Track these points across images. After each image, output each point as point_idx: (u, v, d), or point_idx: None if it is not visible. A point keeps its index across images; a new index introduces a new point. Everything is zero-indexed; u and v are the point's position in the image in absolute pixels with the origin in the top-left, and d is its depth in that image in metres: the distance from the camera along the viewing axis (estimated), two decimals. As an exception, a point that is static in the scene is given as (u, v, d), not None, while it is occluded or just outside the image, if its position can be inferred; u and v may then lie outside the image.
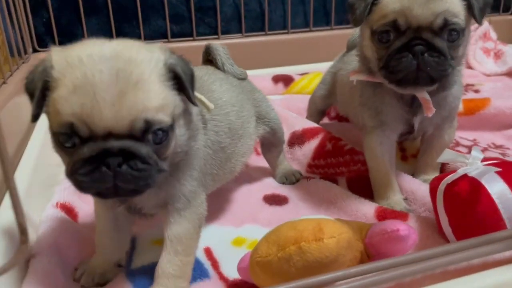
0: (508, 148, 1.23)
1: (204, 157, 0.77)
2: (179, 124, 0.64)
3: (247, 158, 0.96)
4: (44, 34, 1.72)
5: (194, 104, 0.66)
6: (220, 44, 1.01)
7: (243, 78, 1.02)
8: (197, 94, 0.71)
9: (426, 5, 0.81)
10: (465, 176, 0.77)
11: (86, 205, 0.99)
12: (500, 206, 0.73)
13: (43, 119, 1.38)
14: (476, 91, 1.63)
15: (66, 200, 0.96)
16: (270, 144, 1.09)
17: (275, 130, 1.07)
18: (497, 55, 1.91)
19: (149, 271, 0.78)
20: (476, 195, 0.74)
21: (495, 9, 2.24)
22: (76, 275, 0.80)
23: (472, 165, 0.79)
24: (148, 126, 0.57)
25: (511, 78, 1.77)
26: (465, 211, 0.76)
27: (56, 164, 1.25)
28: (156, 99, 0.58)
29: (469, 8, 0.84)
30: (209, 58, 1.00)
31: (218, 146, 0.82)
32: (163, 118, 0.59)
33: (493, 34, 2.00)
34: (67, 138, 0.58)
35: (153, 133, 0.59)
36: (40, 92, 0.59)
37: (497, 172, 0.75)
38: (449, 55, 0.83)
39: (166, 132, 0.60)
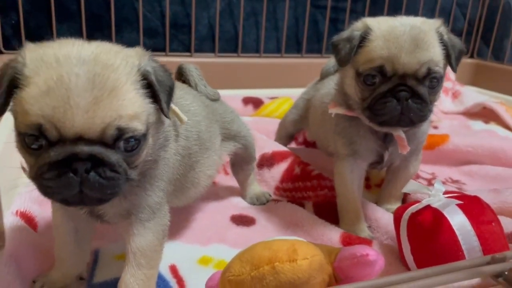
0: (464, 184, 1.29)
1: (173, 165, 0.75)
2: (151, 132, 0.63)
3: (213, 173, 0.95)
4: (12, 36, 1.67)
5: (166, 116, 0.64)
6: (193, 64, 1.01)
7: (216, 99, 1.02)
8: (172, 105, 0.69)
9: (413, 53, 0.84)
10: (428, 207, 0.81)
11: (47, 214, 0.95)
12: (460, 237, 0.76)
13: (3, 122, 1.33)
14: (435, 127, 1.72)
15: (27, 208, 0.92)
16: (241, 160, 1.10)
17: (247, 146, 1.07)
18: (455, 95, 2.03)
19: (111, 286, 0.77)
20: (438, 225, 0.78)
21: (454, 52, 2.38)
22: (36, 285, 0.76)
23: (435, 196, 0.83)
24: (121, 133, 0.56)
25: (466, 117, 1.88)
26: (427, 240, 0.79)
27: (16, 167, 1.21)
28: (130, 107, 0.57)
29: (447, 56, 0.89)
30: (182, 79, 1.00)
31: (187, 152, 0.81)
32: (137, 126, 0.57)
33: (452, 75, 2.12)
34: (34, 139, 0.55)
35: (125, 140, 0.57)
36: (6, 88, 0.57)
37: (458, 205, 0.79)
38: (429, 100, 0.88)
39: (138, 140, 0.59)
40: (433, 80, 0.87)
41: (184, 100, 0.86)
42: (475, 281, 0.71)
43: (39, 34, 1.69)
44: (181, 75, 1.00)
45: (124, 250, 0.87)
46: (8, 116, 1.40)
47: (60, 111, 0.53)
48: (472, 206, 0.80)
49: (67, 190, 0.55)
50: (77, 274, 0.78)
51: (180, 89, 0.89)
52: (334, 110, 0.97)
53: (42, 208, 0.98)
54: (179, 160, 0.78)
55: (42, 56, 0.57)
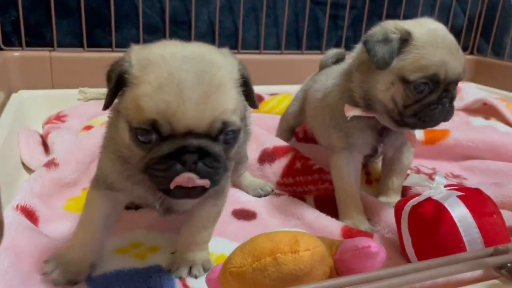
0: (465, 178, 1.29)
1: None
2: (242, 127, 0.68)
3: None
4: (11, 33, 1.66)
5: (256, 107, 0.71)
6: None
7: None
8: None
9: (457, 56, 0.88)
10: (429, 199, 0.81)
11: (48, 210, 0.96)
12: (461, 229, 0.76)
13: (4, 118, 1.33)
14: (436, 123, 1.71)
15: (28, 203, 0.92)
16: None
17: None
18: (455, 91, 2.02)
19: (111, 279, 0.77)
20: (439, 217, 0.78)
21: (454, 48, 2.38)
22: (47, 269, 0.75)
23: (436, 189, 0.83)
24: (224, 127, 0.60)
25: (466, 114, 1.87)
26: (428, 232, 0.79)
27: (17, 163, 1.21)
28: (232, 102, 0.61)
29: None
30: None
31: None
32: (236, 120, 0.62)
33: (451, 71, 2.12)
34: (146, 134, 0.59)
35: (225, 133, 0.61)
36: (114, 86, 0.62)
37: (459, 197, 0.79)
38: None
39: (236, 133, 0.63)
40: (464, 74, 0.92)
41: None
42: (478, 272, 0.71)
43: (39, 30, 1.69)
44: None
45: (123, 244, 0.88)
46: (8, 112, 1.40)
47: (174, 105, 0.57)
48: (473, 198, 0.80)
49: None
50: (92, 261, 0.78)
51: None
52: (351, 113, 0.95)
53: (43, 202, 0.98)
54: None
55: (147, 56, 0.61)
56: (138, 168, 0.63)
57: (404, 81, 0.88)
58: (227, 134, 0.62)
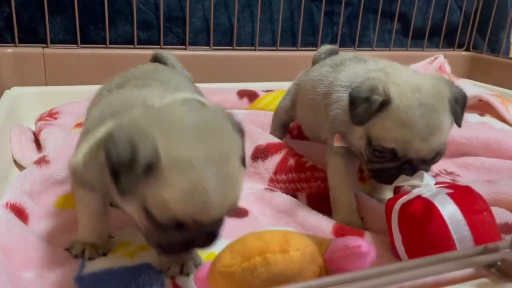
0: (459, 175, 1.29)
1: None
2: None
3: None
4: (4, 29, 1.65)
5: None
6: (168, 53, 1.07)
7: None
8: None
9: (427, 141, 0.84)
10: (419, 197, 0.81)
11: (38, 207, 0.95)
12: (451, 227, 0.76)
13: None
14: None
15: (17, 201, 0.91)
16: None
17: None
18: (451, 88, 2.01)
19: (99, 278, 0.77)
20: (429, 215, 0.78)
21: (451, 44, 2.38)
22: (74, 250, 0.83)
23: (426, 187, 0.83)
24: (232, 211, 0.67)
25: (462, 110, 1.87)
26: (418, 230, 0.79)
27: (9, 160, 1.20)
28: (241, 190, 0.66)
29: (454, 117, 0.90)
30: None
31: None
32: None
33: (447, 68, 2.12)
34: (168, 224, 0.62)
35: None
36: (143, 171, 0.59)
37: (449, 195, 0.79)
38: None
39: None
40: (438, 156, 0.88)
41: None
42: (468, 271, 0.70)
43: (32, 27, 1.67)
44: (157, 61, 1.06)
45: (115, 243, 0.87)
46: (0, 109, 1.38)
47: (198, 210, 0.61)
48: (463, 195, 0.79)
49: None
50: (109, 234, 0.87)
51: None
52: (339, 144, 0.98)
53: (34, 200, 0.97)
54: None
55: (176, 158, 0.60)
56: (147, 239, 0.68)
57: (368, 140, 0.90)
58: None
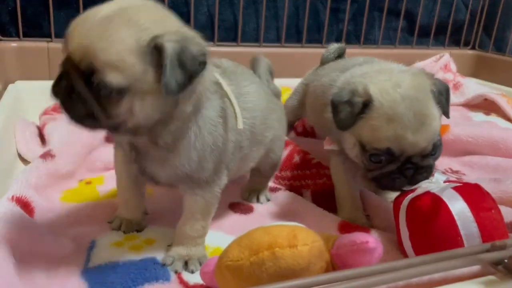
0: (464, 174, 1.28)
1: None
2: None
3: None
4: (8, 23, 1.64)
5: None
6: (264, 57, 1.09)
7: (276, 94, 1.07)
8: (235, 106, 0.84)
9: (419, 132, 0.82)
10: (428, 192, 0.81)
11: (44, 201, 0.95)
12: (458, 223, 0.76)
13: (0, 109, 1.31)
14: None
15: (23, 194, 0.91)
16: (266, 164, 1.06)
17: (274, 161, 1.07)
18: (456, 86, 2.01)
19: (106, 271, 0.77)
20: (437, 210, 0.77)
21: (456, 43, 2.37)
22: (113, 224, 0.91)
23: (435, 183, 0.82)
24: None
25: (467, 109, 1.86)
26: (425, 225, 0.78)
27: (13, 154, 1.20)
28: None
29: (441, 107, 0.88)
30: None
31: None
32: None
33: (453, 66, 2.11)
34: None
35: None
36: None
37: (458, 191, 0.79)
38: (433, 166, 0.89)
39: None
40: (436, 149, 0.87)
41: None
42: (474, 268, 0.70)
43: (36, 21, 1.67)
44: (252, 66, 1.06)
45: (119, 238, 0.87)
46: (5, 103, 1.38)
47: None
48: (472, 192, 0.79)
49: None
50: (142, 210, 0.93)
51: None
52: (329, 147, 0.98)
53: (39, 194, 0.97)
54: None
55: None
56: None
57: (362, 147, 0.88)
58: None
